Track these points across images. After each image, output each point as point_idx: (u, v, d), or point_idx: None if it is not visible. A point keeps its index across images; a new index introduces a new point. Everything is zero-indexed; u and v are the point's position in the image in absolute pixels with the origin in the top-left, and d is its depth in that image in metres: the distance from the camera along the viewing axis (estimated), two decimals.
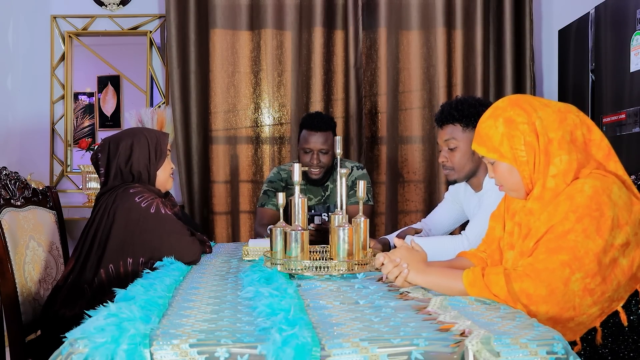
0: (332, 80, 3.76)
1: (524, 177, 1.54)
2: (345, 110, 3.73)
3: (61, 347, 1.12)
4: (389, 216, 3.77)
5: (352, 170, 2.92)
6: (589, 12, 3.21)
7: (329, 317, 1.31)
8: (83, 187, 3.70)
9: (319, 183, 2.88)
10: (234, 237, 3.79)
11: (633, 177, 1.88)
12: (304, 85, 3.74)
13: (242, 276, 1.73)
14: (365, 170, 2.97)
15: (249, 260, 2.09)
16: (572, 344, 1.50)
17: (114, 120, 3.98)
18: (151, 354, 1.11)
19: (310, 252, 1.94)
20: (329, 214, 2.27)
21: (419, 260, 1.56)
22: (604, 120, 3.03)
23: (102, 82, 3.97)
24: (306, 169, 2.77)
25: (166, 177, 2.23)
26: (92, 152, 3.65)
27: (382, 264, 1.58)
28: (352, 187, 2.83)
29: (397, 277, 1.55)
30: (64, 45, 3.85)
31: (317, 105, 3.68)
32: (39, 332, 2.11)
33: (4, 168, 2.13)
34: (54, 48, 3.86)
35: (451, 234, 2.53)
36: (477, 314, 1.31)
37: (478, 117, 2.15)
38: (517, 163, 1.54)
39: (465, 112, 2.16)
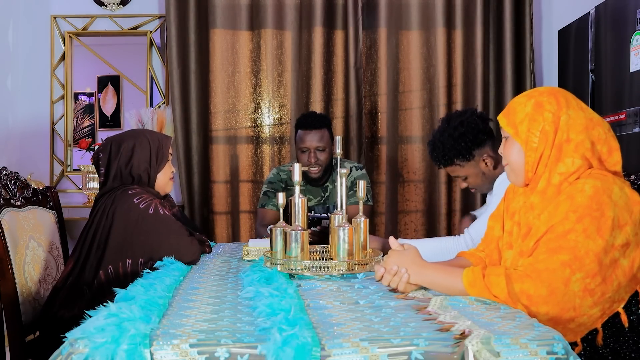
0: (332, 80, 3.76)
1: (527, 163, 1.55)
2: (345, 110, 3.73)
3: (61, 347, 1.12)
4: (389, 216, 3.77)
5: (351, 170, 2.92)
6: (589, 12, 3.21)
7: (329, 317, 1.31)
8: (83, 187, 3.70)
9: (318, 183, 2.89)
10: (234, 237, 3.79)
11: (633, 177, 1.88)
12: (304, 85, 3.74)
13: (242, 276, 1.73)
14: (364, 171, 2.97)
15: (249, 260, 2.09)
16: (573, 344, 1.50)
17: (114, 120, 3.98)
18: (151, 354, 1.11)
19: (310, 252, 1.94)
20: (329, 214, 2.27)
21: (414, 260, 1.55)
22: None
23: (102, 82, 3.97)
24: (306, 168, 2.78)
25: (166, 180, 2.23)
26: (92, 152, 3.67)
27: (382, 276, 1.58)
28: (351, 188, 2.84)
29: (398, 283, 1.54)
30: (64, 45, 3.85)
31: (317, 105, 3.68)
32: (38, 333, 2.11)
33: (4, 168, 2.13)
34: (54, 48, 3.86)
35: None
36: (477, 314, 1.31)
37: (467, 144, 2.15)
38: (526, 146, 1.54)
39: (451, 152, 2.16)
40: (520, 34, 3.70)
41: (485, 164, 2.17)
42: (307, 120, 2.82)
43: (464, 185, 2.25)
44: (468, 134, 2.13)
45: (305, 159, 2.80)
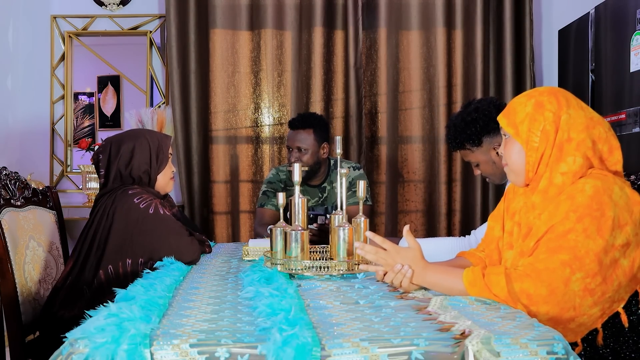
0: (332, 80, 3.76)
1: (528, 163, 1.54)
2: (345, 110, 3.73)
3: (61, 347, 1.12)
4: (389, 216, 3.77)
5: (349, 170, 2.92)
6: (589, 12, 3.21)
7: (329, 317, 1.31)
8: (83, 187, 3.70)
9: (315, 184, 2.89)
10: (234, 237, 3.79)
11: (633, 177, 1.88)
12: (304, 85, 3.74)
13: (242, 276, 1.73)
14: (362, 171, 2.97)
15: (249, 260, 2.09)
16: (573, 345, 1.50)
17: (114, 120, 3.98)
18: (151, 354, 1.11)
19: (310, 252, 1.94)
20: (328, 215, 2.29)
21: (415, 260, 1.54)
22: None
23: (102, 82, 3.97)
24: (306, 168, 2.79)
25: (166, 180, 2.23)
26: (92, 152, 3.67)
27: (384, 275, 1.57)
28: (349, 188, 2.84)
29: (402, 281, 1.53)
30: (64, 45, 3.85)
31: (317, 106, 3.68)
32: (38, 333, 2.11)
33: (4, 168, 2.13)
34: (54, 48, 3.86)
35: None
36: (477, 314, 1.31)
37: (477, 130, 2.16)
38: (527, 146, 1.54)
39: (462, 136, 2.19)
40: (520, 34, 3.70)
41: (497, 153, 2.18)
42: (294, 120, 2.89)
43: (478, 172, 2.27)
44: (479, 120, 2.16)
45: (289, 157, 2.87)
